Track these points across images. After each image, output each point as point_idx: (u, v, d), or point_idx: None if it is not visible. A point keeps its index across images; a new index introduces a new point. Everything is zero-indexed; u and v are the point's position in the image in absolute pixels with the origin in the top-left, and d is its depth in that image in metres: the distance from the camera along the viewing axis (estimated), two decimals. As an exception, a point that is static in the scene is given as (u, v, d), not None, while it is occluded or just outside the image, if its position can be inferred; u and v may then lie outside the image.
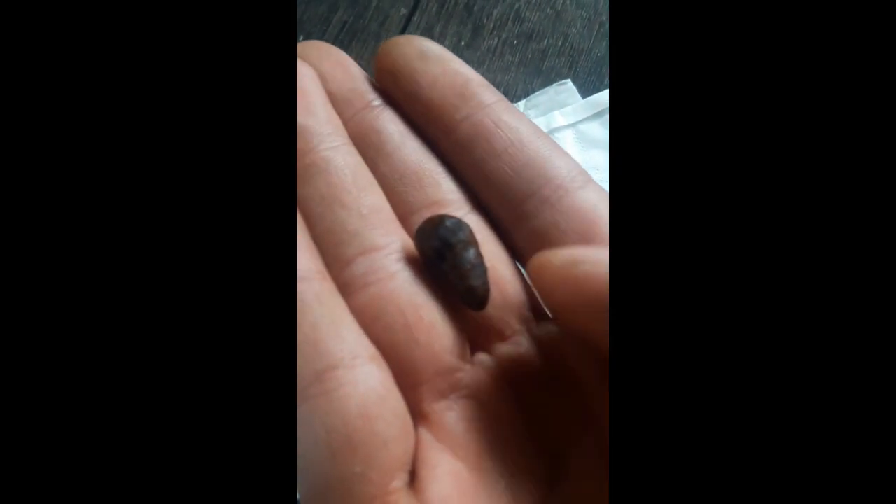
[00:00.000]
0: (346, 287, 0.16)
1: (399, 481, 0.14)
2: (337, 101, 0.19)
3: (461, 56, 0.20)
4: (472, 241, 0.17)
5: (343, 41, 0.41)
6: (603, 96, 0.38)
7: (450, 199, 0.18)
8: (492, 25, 0.41)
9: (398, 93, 0.19)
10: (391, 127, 0.19)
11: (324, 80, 0.19)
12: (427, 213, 0.17)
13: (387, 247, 0.17)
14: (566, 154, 0.18)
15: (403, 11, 0.41)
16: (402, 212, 0.18)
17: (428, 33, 0.40)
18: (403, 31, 0.41)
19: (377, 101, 0.19)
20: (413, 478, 0.15)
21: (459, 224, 0.16)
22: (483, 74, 0.20)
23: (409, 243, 0.17)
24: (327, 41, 0.25)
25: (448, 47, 0.22)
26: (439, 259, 0.16)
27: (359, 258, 0.16)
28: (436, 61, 0.19)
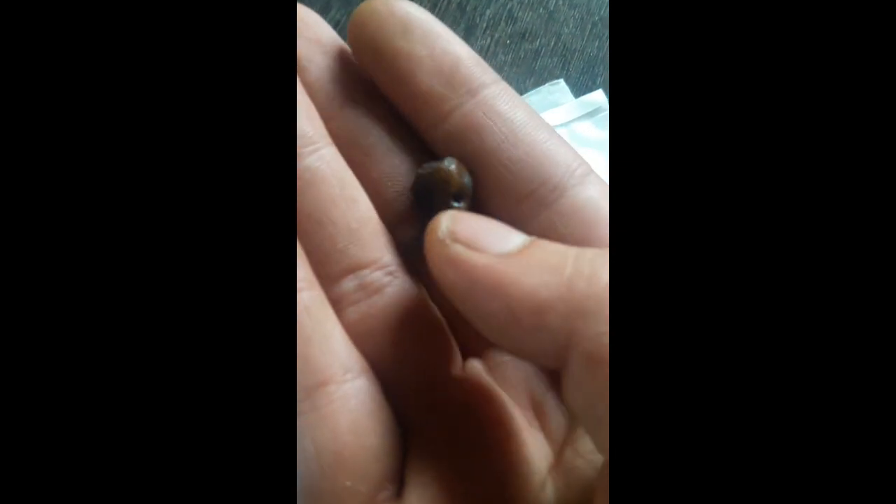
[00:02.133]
0: (336, 304, 0.16)
1: (387, 491, 0.15)
2: (318, 95, 0.17)
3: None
4: (458, 192, 0.16)
5: (336, 40, 0.40)
6: (596, 96, 0.38)
7: None
8: (484, 25, 0.41)
9: (379, 74, 0.17)
10: (380, 126, 0.17)
11: (302, 69, 0.17)
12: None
13: (375, 262, 0.16)
14: (565, 144, 0.17)
15: (396, 10, 0.41)
16: (391, 220, 0.17)
17: (421, 32, 0.40)
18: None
19: (361, 96, 0.17)
20: (400, 486, 0.15)
21: (449, 173, 0.16)
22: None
23: (397, 256, 0.17)
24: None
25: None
26: (419, 204, 0.16)
27: (348, 275, 0.16)
28: (421, 39, 0.16)
